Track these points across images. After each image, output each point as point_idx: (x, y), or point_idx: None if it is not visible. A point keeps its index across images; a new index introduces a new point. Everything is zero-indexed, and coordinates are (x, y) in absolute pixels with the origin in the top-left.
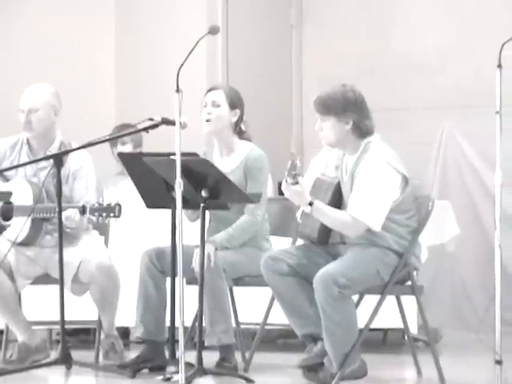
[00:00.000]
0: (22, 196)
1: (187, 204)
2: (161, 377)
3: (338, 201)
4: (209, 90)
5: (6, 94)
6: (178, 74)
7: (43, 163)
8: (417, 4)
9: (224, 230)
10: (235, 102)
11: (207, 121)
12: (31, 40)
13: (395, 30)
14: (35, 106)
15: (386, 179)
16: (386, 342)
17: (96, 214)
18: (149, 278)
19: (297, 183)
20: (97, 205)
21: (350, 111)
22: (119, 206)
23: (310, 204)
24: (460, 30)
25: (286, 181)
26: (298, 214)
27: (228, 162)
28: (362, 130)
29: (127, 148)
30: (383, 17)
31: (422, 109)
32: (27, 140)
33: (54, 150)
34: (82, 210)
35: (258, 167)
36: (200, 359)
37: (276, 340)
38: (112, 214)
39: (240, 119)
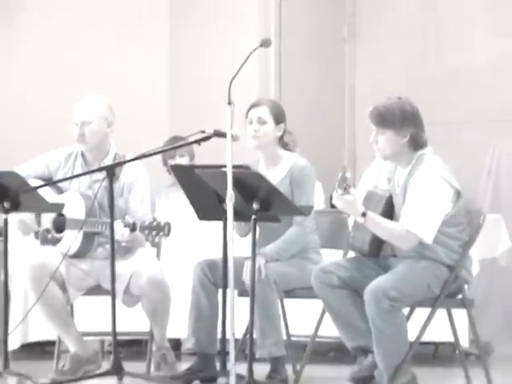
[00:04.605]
0: (74, 209)
1: (238, 216)
2: None
3: (389, 213)
4: (252, 106)
5: (59, 107)
6: (229, 87)
7: (98, 175)
8: (469, 20)
9: (273, 242)
10: (279, 117)
11: (254, 137)
12: (86, 54)
13: (447, 45)
14: (89, 118)
15: (439, 192)
16: (436, 355)
17: (146, 231)
18: (201, 289)
19: (348, 194)
20: (147, 223)
21: (407, 125)
22: (169, 225)
23: (364, 215)
24: None
25: (337, 192)
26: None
27: (274, 174)
28: (418, 143)
29: (184, 160)
30: (436, 32)
31: (475, 123)
32: (81, 152)
33: (108, 162)
34: (133, 228)
35: (303, 177)
36: (251, 371)
37: (327, 352)
38: (161, 233)
39: (284, 132)
